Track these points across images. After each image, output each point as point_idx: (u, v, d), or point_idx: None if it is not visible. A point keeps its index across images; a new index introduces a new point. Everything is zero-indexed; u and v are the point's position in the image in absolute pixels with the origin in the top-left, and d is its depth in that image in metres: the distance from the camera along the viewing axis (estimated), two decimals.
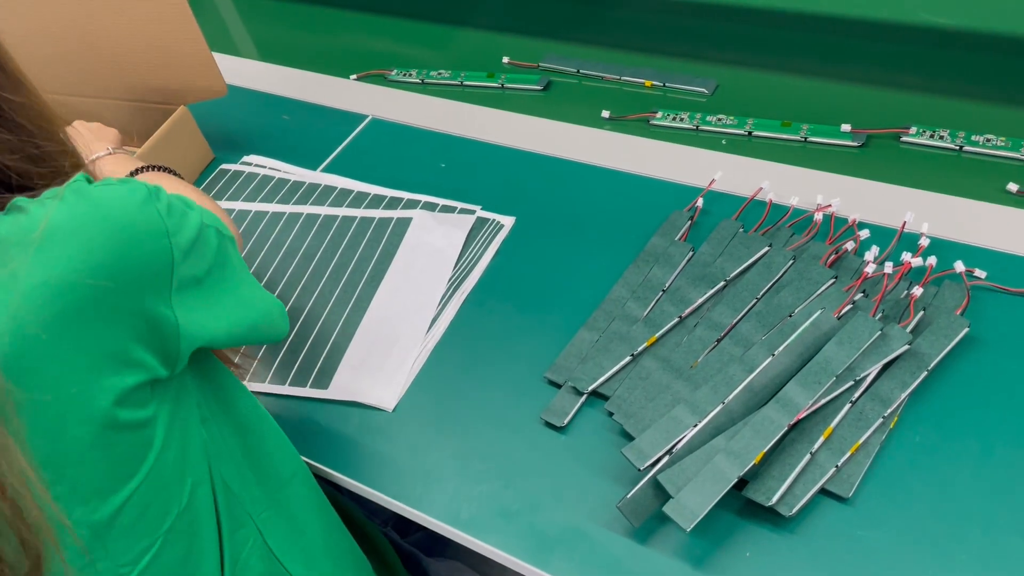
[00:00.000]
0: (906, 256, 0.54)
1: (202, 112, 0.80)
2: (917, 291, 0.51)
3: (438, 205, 0.71)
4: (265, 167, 0.79)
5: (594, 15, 0.89)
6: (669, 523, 0.46)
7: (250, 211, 0.75)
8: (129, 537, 0.38)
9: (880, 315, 0.51)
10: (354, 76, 0.89)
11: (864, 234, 0.57)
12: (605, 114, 0.75)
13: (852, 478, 0.47)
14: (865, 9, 0.76)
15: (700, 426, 0.49)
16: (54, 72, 0.80)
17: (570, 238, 0.65)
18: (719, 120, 0.72)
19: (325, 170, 0.78)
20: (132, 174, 0.59)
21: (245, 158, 0.81)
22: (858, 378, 0.49)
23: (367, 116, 0.82)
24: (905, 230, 0.57)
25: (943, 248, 0.56)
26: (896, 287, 0.54)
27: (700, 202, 0.64)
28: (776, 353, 0.50)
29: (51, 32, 0.78)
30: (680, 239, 0.61)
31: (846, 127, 0.68)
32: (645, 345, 0.55)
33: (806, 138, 0.68)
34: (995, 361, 0.51)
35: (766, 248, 0.58)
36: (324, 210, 0.73)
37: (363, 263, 0.67)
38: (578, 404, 0.54)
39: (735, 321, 0.55)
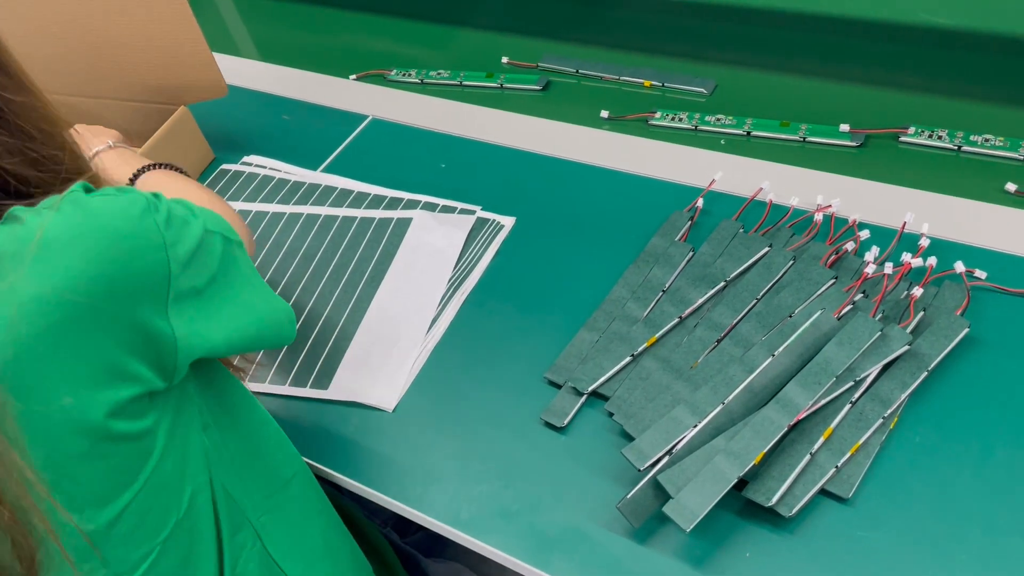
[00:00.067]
0: (906, 256, 0.54)
1: (202, 112, 0.79)
2: (917, 291, 0.51)
3: (438, 205, 0.70)
4: (265, 167, 0.79)
5: (593, 15, 0.88)
6: (669, 523, 0.45)
7: (250, 211, 0.74)
8: (127, 545, 0.38)
9: (880, 316, 0.51)
10: (353, 76, 0.88)
11: (864, 234, 0.57)
12: (604, 114, 0.75)
13: (852, 479, 0.46)
14: (864, 9, 0.76)
15: (700, 426, 0.48)
16: (54, 72, 0.79)
17: (570, 238, 0.65)
18: (718, 120, 0.71)
19: (325, 170, 0.77)
20: (140, 172, 0.58)
21: (245, 158, 0.80)
22: (858, 379, 0.49)
23: (367, 116, 0.82)
24: (905, 230, 0.57)
25: (943, 248, 0.56)
26: (896, 287, 0.53)
27: (700, 202, 0.63)
28: (776, 353, 0.50)
29: (51, 32, 0.77)
30: (680, 239, 0.61)
31: (845, 127, 0.67)
32: (645, 345, 0.54)
33: (805, 138, 0.68)
34: (995, 362, 0.50)
35: (766, 248, 0.57)
36: (324, 210, 0.72)
37: (363, 263, 0.67)
38: (578, 404, 0.53)
39: (735, 321, 0.54)
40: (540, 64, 0.83)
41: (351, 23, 0.98)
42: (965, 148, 0.64)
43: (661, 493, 0.46)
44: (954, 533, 0.44)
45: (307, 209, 0.73)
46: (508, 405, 0.55)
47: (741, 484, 0.46)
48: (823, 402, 0.48)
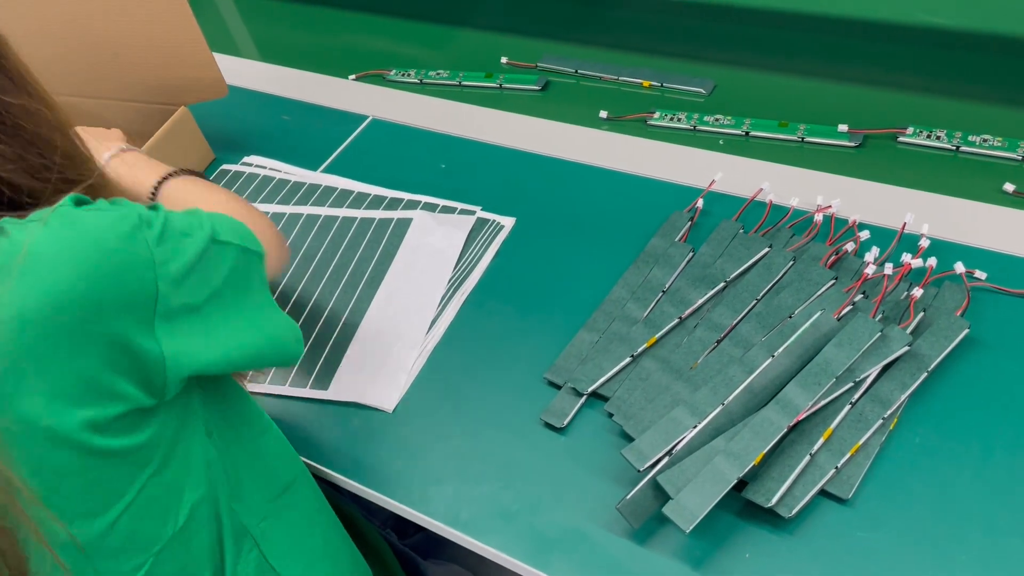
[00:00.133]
0: (906, 257, 0.53)
1: (202, 112, 0.78)
2: (917, 292, 0.50)
3: (438, 206, 0.70)
4: (265, 167, 0.78)
5: (592, 15, 0.88)
6: (669, 524, 0.45)
7: None
8: (119, 556, 0.37)
9: (880, 316, 0.50)
10: (353, 76, 0.87)
11: (864, 235, 0.56)
12: (603, 114, 0.74)
13: (852, 479, 0.46)
14: (862, 9, 0.75)
15: (700, 427, 0.47)
16: (54, 73, 0.78)
17: (570, 239, 0.64)
18: (716, 120, 0.71)
19: (325, 171, 0.76)
20: (161, 181, 0.55)
21: (245, 159, 0.79)
22: (858, 379, 0.48)
23: (367, 117, 0.81)
24: (905, 231, 0.56)
25: (943, 249, 0.55)
26: (896, 288, 0.53)
27: (700, 203, 0.62)
28: (776, 354, 0.49)
29: (51, 32, 0.76)
30: (680, 240, 0.60)
31: (843, 127, 0.66)
32: (645, 346, 0.54)
33: (803, 138, 0.67)
34: (995, 362, 0.49)
35: (766, 249, 0.57)
36: (324, 211, 0.72)
37: (363, 264, 0.66)
38: (578, 405, 0.53)
39: (735, 322, 0.53)
40: (539, 64, 0.82)
41: (351, 23, 0.97)
42: (963, 148, 0.63)
43: (661, 494, 0.46)
44: (954, 534, 0.43)
45: (307, 209, 0.72)
46: (508, 406, 0.54)
47: (741, 485, 0.46)
48: (823, 403, 0.48)
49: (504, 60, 0.84)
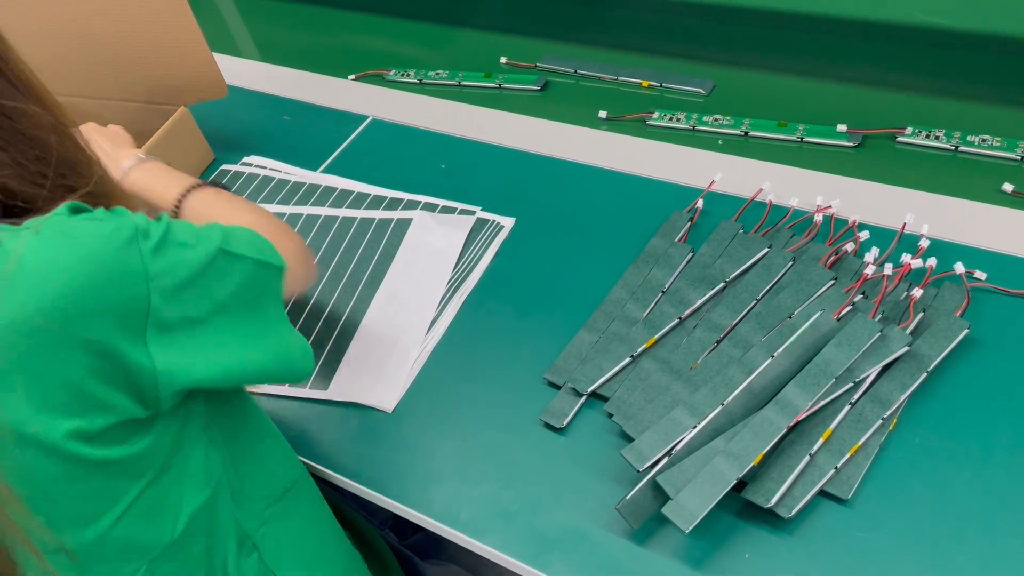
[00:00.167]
0: (906, 257, 0.53)
1: (202, 113, 0.78)
2: (917, 292, 0.50)
3: (438, 206, 0.69)
4: (265, 168, 0.77)
5: (592, 16, 0.87)
6: (668, 524, 0.44)
7: None
8: (112, 563, 0.37)
9: (880, 317, 0.50)
10: (352, 76, 0.87)
11: (864, 235, 0.56)
12: (602, 114, 0.74)
13: (851, 480, 0.45)
14: (861, 9, 0.75)
15: (699, 427, 0.47)
16: (54, 73, 0.78)
17: (570, 239, 0.63)
18: (716, 120, 0.70)
19: (325, 171, 0.76)
20: (185, 193, 0.53)
21: (245, 159, 0.79)
22: (857, 380, 0.48)
23: (367, 117, 0.80)
24: (905, 231, 0.56)
25: (943, 249, 0.55)
26: (896, 288, 0.52)
27: (700, 203, 0.62)
28: (775, 355, 0.49)
29: (51, 32, 0.76)
30: (680, 240, 0.60)
31: (842, 127, 0.66)
32: (644, 346, 0.53)
33: (802, 138, 0.67)
34: (995, 363, 0.49)
35: (766, 249, 0.56)
36: (324, 211, 0.71)
37: (363, 264, 0.66)
38: (577, 405, 0.52)
39: (735, 322, 0.53)
40: (539, 64, 0.82)
41: (350, 23, 0.97)
42: (962, 148, 0.63)
43: (660, 494, 0.45)
44: (953, 534, 0.43)
45: (307, 210, 0.72)
46: (508, 406, 0.54)
47: (740, 485, 0.45)
48: (822, 403, 0.47)
49: (503, 60, 0.83)
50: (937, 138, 0.64)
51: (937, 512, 0.44)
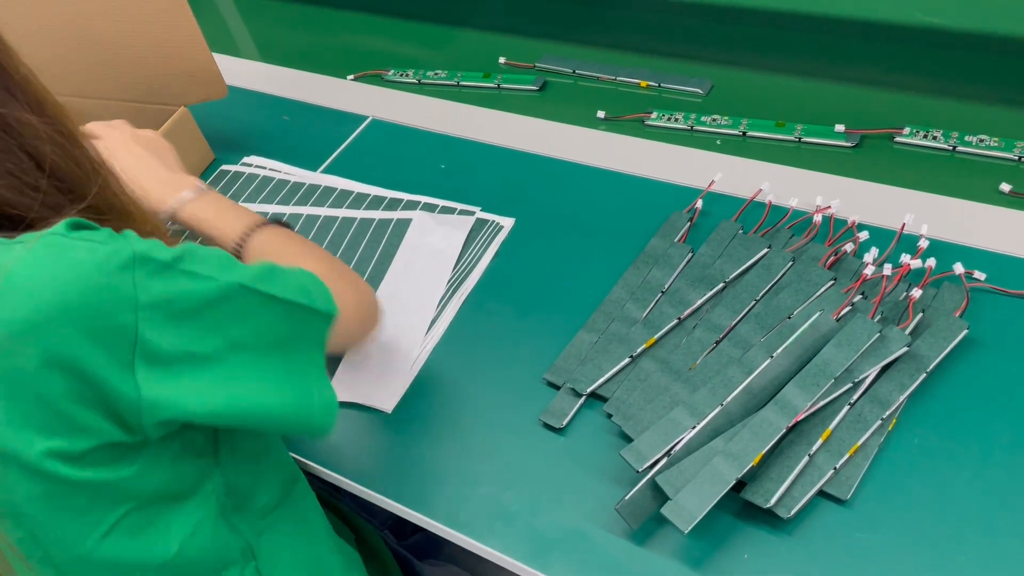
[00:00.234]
0: (905, 258, 0.52)
1: (202, 113, 0.77)
2: (916, 293, 0.49)
3: (438, 206, 0.68)
4: (265, 168, 0.77)
5: (591, 16, 0.86)
6: (667, 525, 0.44)
7: None
8: None
9: (879, 317, 0.49)
10: (351, 76, 0.86)
11: (863, 236, 0.55)
12: (601, 114, 0.73)
13: (850, 480, 0.45)
14: (859, 9, 0.74)
15: (698, 428, 0.47)
16: (54, 73, 0.77)
17: (569, 239, 0.63)
18: (714, 120, 0.70)
19: (325, 171, 0.75)
20: (249, 233, 0.50)
21: (245, 159, 0.78)
22: (857, 380, 0.47)
23: (367, 117, 0.80)
24: (904, 231, 0.55)
25: (942, 250, 0.54)
26: (895, 289, 0.52)
27: (699, 203, 0.61)
28: (775, 355, 0.48)
29: (51, 32, 0.75)
30: (679, 240, 0.59)
31: (840, 127, 0.65)
32: (644, 347, 0.53)
33: (800, 138, 0.66)
34: (994, 363, 0.49)
35: (765, 249, 0.56)
36: (324, 211, 0.70)
37: (363, 264, 0.65)
38: (577, 406, 0.52)
39: (734, 323, 0.52)
40: (537, 64, 0.81)
41: (350, 23, 0.96)
42: (960, 148, 0.62)
43: (659, 494, 0.45)
44: (953, 534, 0.43)
45: (307, 210, 0.71)
46: (507, 406, 0.53)
47: (739, 486, 0.45)
48: (822, 403, 0.47)
49: (502, 60, 0.83)
50: (935, 138, 0.63)
51: (936, 512, 0.43)
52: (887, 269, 0.51)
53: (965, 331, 0.49)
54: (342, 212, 0.70)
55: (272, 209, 0.72)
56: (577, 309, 0.57)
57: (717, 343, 0.52)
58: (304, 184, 0.74)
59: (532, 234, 0.64)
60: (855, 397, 0.47)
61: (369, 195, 0.71)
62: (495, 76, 0.80)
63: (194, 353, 0.35)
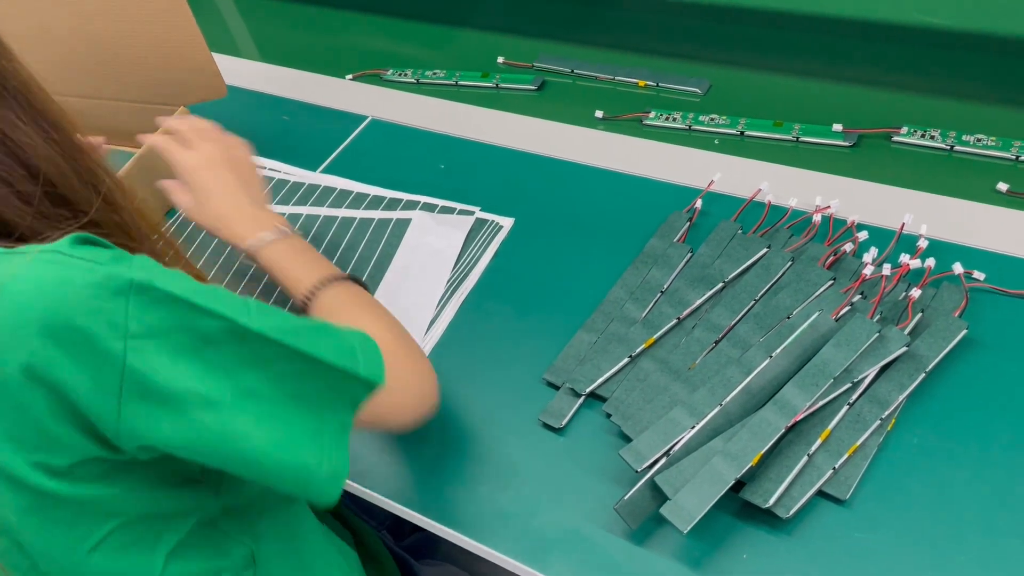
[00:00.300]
0: (904, 258, 0.51)
1: (202, 113, 0.76)
2: (915, 293, 0.49)
3: (437, 206, 0.68)
4: (265, 168, 0.76)
5: (589, 16, 0.86)
6: (666, 525, 0.43)
7: None
8: None
9: (878, 317, 0.49)
10: (350, 76, 0.85)
11: (863, 236, 0.54)
12: (599, 114, 0.72)
13: (849, 480, 0.44)
14: (857, 9, 0.73)
15: (698, 428, 0.46)
16: (54, 73, 0.76)
17: (569, 239, 0.62)
18: (712, 120, 0.69)
19: (325, 171, 0.74)
20: (320, 287, 0.48)
21: None
22: (856, 380, 0.46)
23: (367, 117, 0.79)
24: (904, 231, 0.54)
25: (941, 250, 0.53)
26: (894, 289, 0.51)
27: (699, 203, 0.60)
28: (774, 355, 0.48)
29: (51, 33, 0.74)
30: (679, 240, 0.58)
31: (838, 127, 0.65)
32: (643, 347, 0.52)
33: (798, 138, 0.65)
34: (993, 363, 0.48)
35: (764, 249, 0.55)
36: (323, 211, 0.70)
37: (362, 264, 0.64)
38: (576, 405, 0.51)
39: (733, 323, 0.52)
40: (536, 64, 0.80)
41: (349, 23, 0.95)
42: (957, 148, 0.61)
43: (658, 494, 0.44)
44: (952, 534, 0.42)
45: (306, 210, 0.70)
46: (506, 406, 0.52)
47: (738, 486, 0.44)
48: (821, 403, 0.46)
49: (500, 60, 0.82)
50: (932, 137, 0.62)
51: (936, 512, 0.43)
52: (886, 269, 0.50)
53: (964, 331, 0.48)
54: (341, 212, 0.69)
55: (271, 209, 0.71)
56: (576, 309, 0.56)
57: (716, 343, 0.51)
58: (304, 184, 0.73)
59: (531, 234, 0.63)
60: (854, 397, 0.46)
61: (368, 195, 0.70)
62: (493, 76, 0.79)
63: (195, 391, 0.33)
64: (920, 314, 0.49)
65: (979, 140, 0.61)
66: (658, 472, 0.44)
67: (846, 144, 0.64)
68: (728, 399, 0.46)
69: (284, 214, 0.70)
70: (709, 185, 0.61)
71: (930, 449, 0.45)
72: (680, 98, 0.73)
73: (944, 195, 0.58)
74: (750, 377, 0.47)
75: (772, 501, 0.43)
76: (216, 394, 0.33)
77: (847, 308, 0.49)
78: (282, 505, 0.45)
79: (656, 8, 0.83)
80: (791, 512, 0.43)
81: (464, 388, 0.54)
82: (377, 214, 0.68)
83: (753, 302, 0.52)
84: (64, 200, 0.35)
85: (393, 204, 0.69)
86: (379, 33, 0.92)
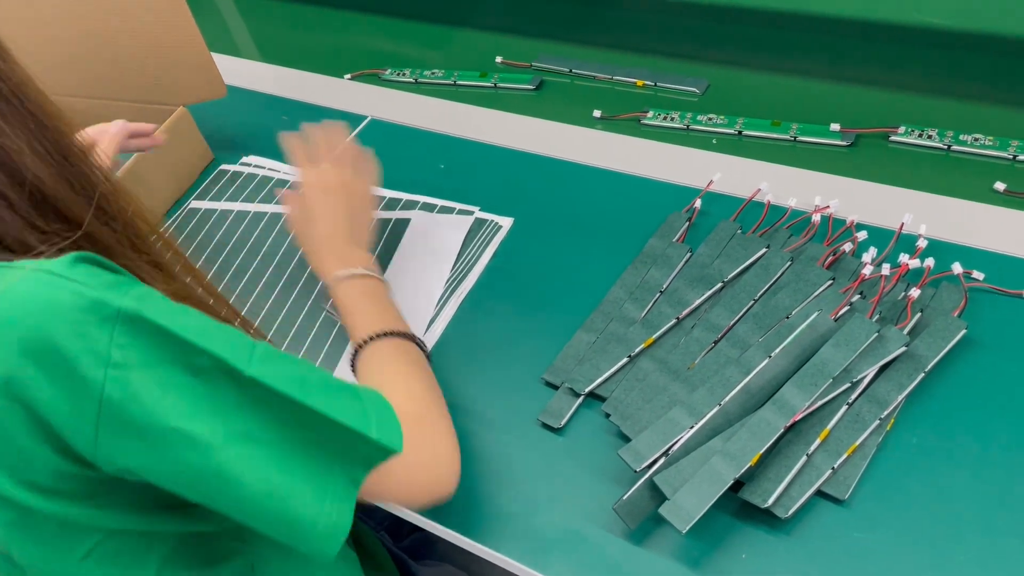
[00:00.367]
0: (903, 258, 0.51)
1: (202, 113, 0.75)
2: (914, 293, 0.48)
3: (436, 206, 0.67)
4: (264, 167, 0.75)
5: (587, 15, 0.85)
6: (665, 525, 0.42)
7: (249, 211, 0.70)
8: None
9: (877, 317, 0.48)
10: (348, 75, 0.84)
11: (862, 235, 0.54)
12: (597, 113, 0.71)
13: (848, 480, 0.44)
14: (855, 9, 0.72)
15: (697, 428, 0.45)
16: (53, 73, 0.75)
17: (568, 239, 0.61)
18: (709, 119, 0.68)
19: None
20: (373, 338, 0.46)
21: (244, 159, 0.76)
22: (855, 380, 0.46)
23: (366, 117, 0.78)
24: (903, 231, 0.53)
25: (941, 249, 0.52)
26: (893, 289, 0.50)
27: (698, 203, 0.60)
28: (773, 355, 0.47)
29: (50, 32, 0.73)
30: (678, 240, 0.57)
31: (835, 126, 0.64)
32: (642, 346, 0.51)
33: (795, 137, 0.65)
34: (992, 363, 0.47)
35: (764, 249, 0.54)
36: None
37: None
38: (575, 405, 0.50)
39: (732, 323, 0.51)
40: (534, 64, 0.79)
41: (347, 22, 0.94)
42: (955, 147, 0.60)
43: (657, 494, 0.43)
44: (951, 534, 0.41)
45: None
46: (505, 406, 0.52)
47: (737, 485, 0.44)
48: (820, 403, 0.45)
49: (499, 60, 0.81)
50: (930, 137, 0.62)
51: (935, 512, 0.42)
52: (885, 269, 0.49)
53: (963, 331, 0.47)
54: None
55: (271, 209, 0.70)
56: (576, 309, 0.55)
57: (715, 343, 0.50)
58: None
59: (531, 234, 0.62)
60: (853, 397, 0.46)
61: None
62: (492, 75, 0.78)
63: (178, 428, 0.31)
64: (919, 314, 0.49)
65: (976, 140, 0.60)
66: (657, 472, 0.44)
67: (843, 144, 0.63)
68: (727, 399, 0.46)
69: (283, 214, 0.69)
70: (708, 185, 0.61)
71: (929, 449, 0.45)
72: (678, 98, 0.72)
73: (941, 195, 0.57)
74: (749, 377, 0.46)
75: (771, 501, 0.42)
76: (204, 433, 0.31)
77: (846, 308, 0.49)
78: None
79: (654, 8, 0.82)
80: (790, 512, 0.42)
81: (463, 388, 0.53)
82: (376, 214, 0.67)
83: (752, 302, 0.52)
84: (55, 209, 0.33)
85: (392, 204, 0.68)
86: (378, 33, 0.91)
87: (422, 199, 0.67)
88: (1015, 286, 0.50)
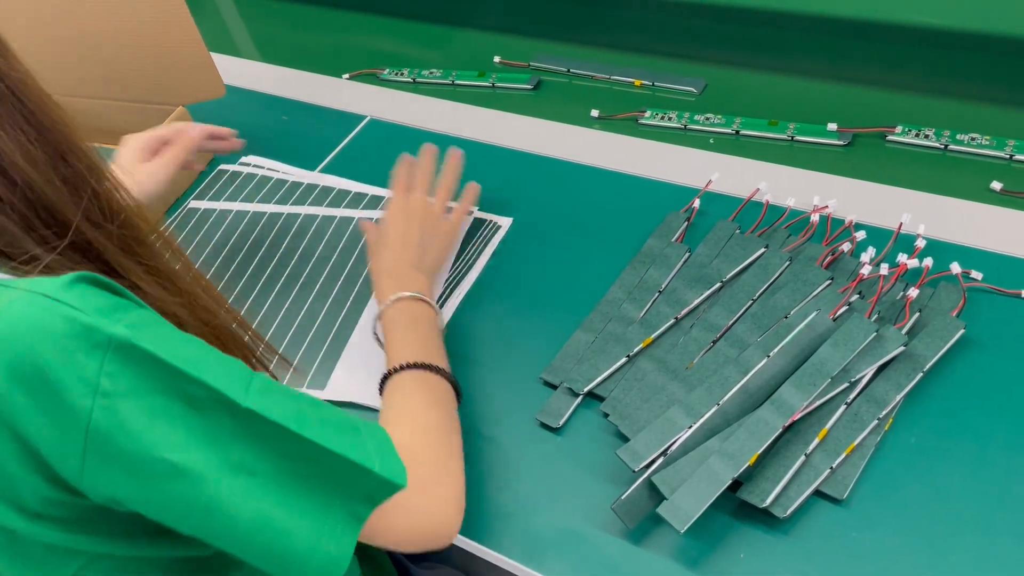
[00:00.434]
0: (902, 257, 0.50)
1: (201, 112, 0.74)
2: (913, 292, 0.47)
3: None
4: (264, 167, 0.74)
5: (585, 15, 0.84)
6: (664, 524, 0.42)
7: (248, 211, 0.70)
8: None
9: (876, 317, 0.47)
10: (346, 75, 0.83)
11: (860, 235, 0.53)
12: (594, 113, 0.71)
13: (847, 480, 0.43)
14: (852, 9, 0.72)
15: (695, 427, 0.45)
16: (53, 73, 0.74)
17: (567, 239, 0.60)
18: (707, 119, 0.67)
19: (323, 170, 0.73)
20: (405, 367, 0.45)
21: (244, 158, 0.75)
22: (853, 380, 0.45)
23: (365, 117, 0.77)
24: (901, 231, 0.53)
25: (939, 249, 0.52)
26: (892, 288, 0.49)
27: (697, 203, 0.59)
28: (771, 355, 0.46)
29: (50, 32, 0.72)
30: (676, 240, 0.57)
31: (832, 126, 0.63)
32: (641, 346, 0.51)
33: (793, 137, 0.64)
34: (991, 363, 0.47)
35: (762, 249, 0.53)
36: (322, 210, 0.68)
37: (360, 263, 0.63)
38: (574, 405, 0.50)
39: (731, 322, 0.50)
40: (532, 64, 0.79)
41: (347, 22, 0.93)
42: (951, 147, 0.60)
43: (656, 494, 0.43)
44: (949, 534, 0.41)
45: (305, 209, 0.68)
46: (504, 406, 0.51)
47: (735, 485, 0.43)
48: (818, 403, 0.45)
49: (497, 59, 0.80)
50: (927, 137, 0.61)
51: (933, 512, 0.42)
52: (884, 269, 0.49)
53: (962, 330, 0.47)
54: (340, 211, 0.68)
55: (270, 208, 0.69)
56: (574, 309, 0.55)
57: (714, 343, 0.50)
58: (302, 183, 0.71)
59: (530, 234, 0.62)
60: (852, 397, 0.45)
61: (367, 194, 0.68)
62: (489, 75, 0.78)
63: (168, 459, 0.30)
64: (918, 314, 0.48)
65: (973, 139, 0.60)
66: (655, 472, 0.43)
67: (841, 143, 0.63)
68: (726, 399, 0.45)
69: (282, 213, 0.68)
70: (707, 185, 0.60)
71: (927, 448, 0.44)
72: (676, 97, 0.71)
73: (938, 194, 0.57)
74: (747, 377, 0.46)
75: (769, 500, 0.42)
76: (196, 464, 0.30)
77: (845, 308, 0.48)
78: None
79: (651, 8, 0.81)
80: (788, 512, 0.42)
81: (461, 387, 0.53)
82: (376, 214, 0.67)
83: (751, 302, 0.51)
84: (48, 211, 0.32)
85: None
86: (376, 32, 0.91)
87: None
88: (1013, 286, 0.50)
